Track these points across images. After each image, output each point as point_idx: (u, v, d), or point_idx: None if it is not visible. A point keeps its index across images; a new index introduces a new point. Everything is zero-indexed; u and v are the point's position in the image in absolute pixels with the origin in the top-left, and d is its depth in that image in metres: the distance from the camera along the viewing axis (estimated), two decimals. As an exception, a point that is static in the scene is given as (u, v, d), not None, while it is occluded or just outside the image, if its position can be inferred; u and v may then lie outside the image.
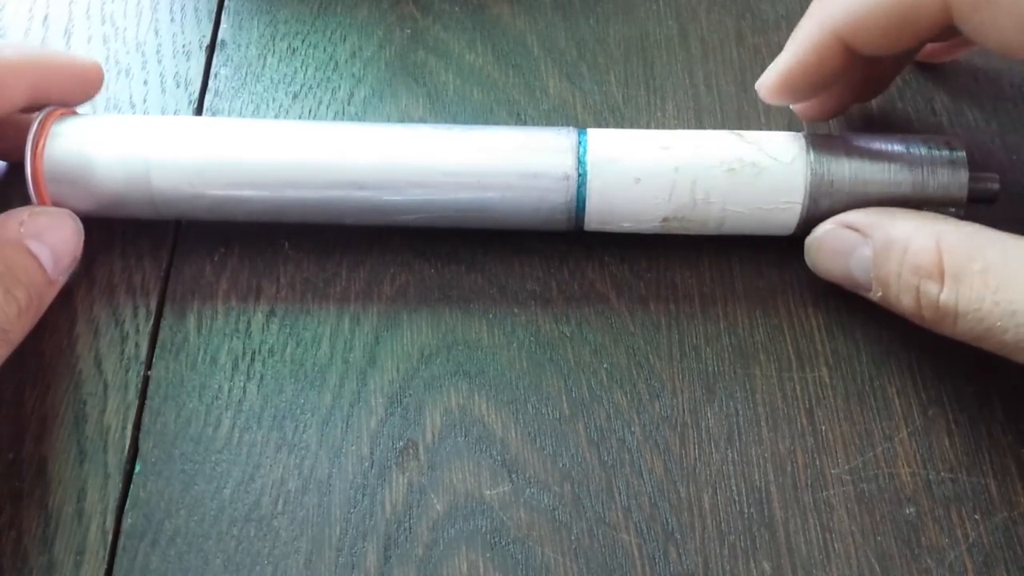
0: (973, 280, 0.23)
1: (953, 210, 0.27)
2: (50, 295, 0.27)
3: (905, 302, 0.25)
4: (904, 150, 0.27)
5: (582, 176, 0.27)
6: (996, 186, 0.27)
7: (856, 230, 0.26)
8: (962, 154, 0.27)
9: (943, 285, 0.24)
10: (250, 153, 0.27)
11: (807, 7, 0.31)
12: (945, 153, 0.27)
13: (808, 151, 0.27)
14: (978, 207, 0.27)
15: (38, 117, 0.27)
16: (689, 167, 0.27)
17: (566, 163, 0.27)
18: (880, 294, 0.26)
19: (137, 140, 0.27)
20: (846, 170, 0.27)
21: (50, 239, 0.26)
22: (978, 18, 0.24)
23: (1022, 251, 0.23)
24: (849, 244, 0.26)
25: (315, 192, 0.27)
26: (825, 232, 0.27)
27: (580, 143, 0.27)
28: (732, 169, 0.27)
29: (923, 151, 0.27)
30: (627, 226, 0.28)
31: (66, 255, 0.27)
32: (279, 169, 0.27)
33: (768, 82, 0.28)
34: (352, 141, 0.28)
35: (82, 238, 0.28)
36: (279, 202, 0.28)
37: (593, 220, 0.28)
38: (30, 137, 0.27)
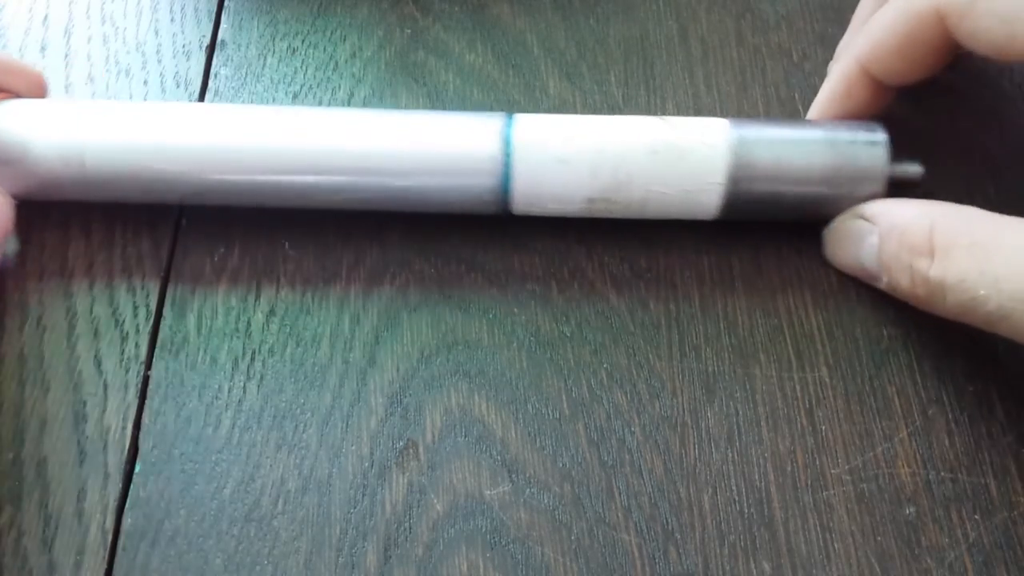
0: (961, 253, 0.24)
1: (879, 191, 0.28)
2: None
3: (902, 282, 0.26)
4: (825, 134, 0.28)
5: (508, 156, 0.27)
6: (918, 169, 0.28)
7: (866, 219, 0.27)
8: (883, 138, 0.28)
9: (933, 260, 0.24)
10: (181, 136, 0.28)
11: (807, 7, 0.31)
12: (865, 137, 0.28)
13: (730, 133, 0.27)
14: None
15: None
16: (613, 148, 0.27)
17: (492, 145, 0.27)
18: (886, 280, 0.27)
19: (73, 122, 0.28)
20: (767, 152, 0.27)
21: None
22: (967, 25, 0.25)
23: (1012, 228, 0.24)
24: (859, 233, 0.27)
25: (240, 175, 0.28)
26: (839, 222, 0.28)
27: (507, 125, 0.28)
28: (655, 151, 0.27)
29: (844, 135, 0.28)
30: (553, 208, 0.28)
31: None
32: (208, 151, 0.28)
33: (812, 116, 0.30)
34: (280, 124, 0.28)
35: (12, 213, 0.28)
36: (208, 184, 0.28)
37: (519, 201, 0.28)
38: None
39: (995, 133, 0.31)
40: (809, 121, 0.29)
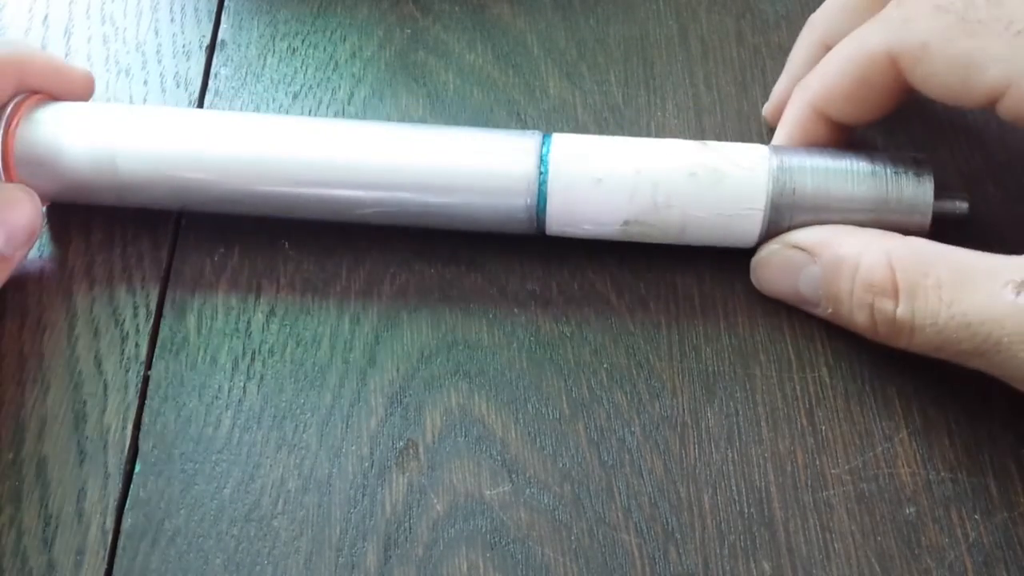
0: (928, 295, 0.24)
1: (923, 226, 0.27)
2: (5, 272, 0.27)
3: (859, 319, 0.25)
4: (869, 165, 0.27)
5: (543, 175, 0.27)
6: (965, 205, 0.27)
7: (803, 249, 0.27)
8: (928, 172, 0.27)
9: (898, 301, 0.24)
10: (214, 144, 0.28)
11: (807, 7, 0.31)
12: (912, 170, 0.27)
13: (771, 159, 0.27)
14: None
15: (14, 100, 0.28)
16: (651, 170, 0.27)
17: (528, 164, 0.27)
18: (830, 310, 0.26)
19: (106, 127, 0.28)
20: (808, 180, 0.26)
21: (4, 215, 0.26)
22: (920, 70, 0.25)
23: (971, 263, 0.24)
24: (796, 264, 0.27)
25: (275, 186, 0.28)
26: (771, 252, 0.27)
27: (543, 144, 0.27)
28: (694, 174, 0.27)
29: (889, 168, 0.27)
30: (588, 229, 0.28)
31: (20, 231, 0.27)
32: (244, 162, 0.28)
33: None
34: (317, 137, 0.28)
35: (39, 215, 0.28)
36: (242, 194, 0.28)
37: (554, 222, 0.28)
38: (3, 117, 0.27)
39: (995, 133, 0.31)
40: (852, 152, 0.27)
